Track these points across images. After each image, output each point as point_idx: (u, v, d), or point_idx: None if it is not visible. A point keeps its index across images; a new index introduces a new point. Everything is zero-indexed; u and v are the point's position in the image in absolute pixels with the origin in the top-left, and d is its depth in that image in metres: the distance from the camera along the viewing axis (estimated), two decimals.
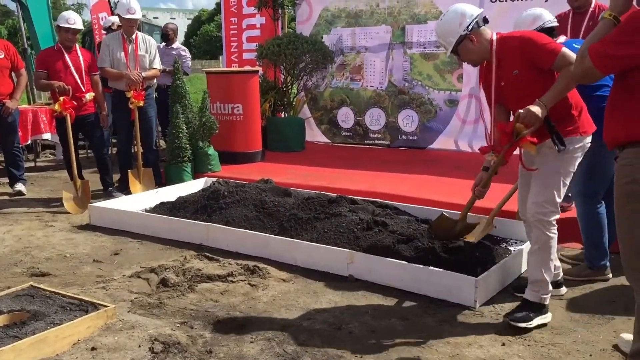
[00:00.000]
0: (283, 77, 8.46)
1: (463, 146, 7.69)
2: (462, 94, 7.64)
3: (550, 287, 3.21)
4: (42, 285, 3.51)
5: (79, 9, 41.57)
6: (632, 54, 2.21)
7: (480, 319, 3.24)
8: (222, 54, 10.17)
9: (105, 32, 7.94)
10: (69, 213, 5.61)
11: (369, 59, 8.36)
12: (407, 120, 8.14)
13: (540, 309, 3.16)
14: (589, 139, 3.19)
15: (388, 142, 8.35)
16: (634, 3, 2.34)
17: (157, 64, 6.38)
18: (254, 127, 7.37)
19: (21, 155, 6.65)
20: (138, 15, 6.15)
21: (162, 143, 8.39)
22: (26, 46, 9.62)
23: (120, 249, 4.53)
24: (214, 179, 5.93)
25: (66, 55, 5.96)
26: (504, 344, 2.95)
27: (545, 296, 3.17)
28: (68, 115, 5.75)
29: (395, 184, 5.77)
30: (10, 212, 5.70)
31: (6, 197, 6.32)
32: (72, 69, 5.95)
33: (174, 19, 70.56)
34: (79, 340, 2.95)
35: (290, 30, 9.31)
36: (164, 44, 8.43)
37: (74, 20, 5.96)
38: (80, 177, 5.98)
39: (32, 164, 8.17)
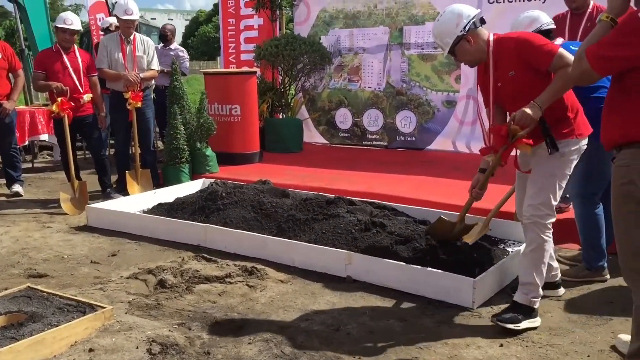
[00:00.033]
0: (281, 78, 8.46)
1: (461, 147, 7.69)
2: (460, 95, 7.65)
3: (541, 292, 3.18)
4: (40, 287, 3.50)
5: (76, 9, 41.49)
6: (629, 56, 2.21)
7: (478, 320, 3.24)
8: (219, 54, 10.16)
9: (103, 33, 7.94)
10: (66, 214, 5.61)
11: (366, 60, 8.37)
12: (405, 121, 8.14)
13: (530, 312, 3.13)
14: (584, 141, 3.19)
15: (386, 143, 8.35)
16: (631, 4, 2.34)
17: (155, 65, 6.38)
18: (252, 128, 7.37)
19: (18, 156, 6.64)
20: (136, 16, 6.15)
21: (159, 144, 8.38)
22: (23, 47, 9.61)
23: (117, 250, 4.52)
24: (212, 180, 5.92)
25: (64, 56, 5.95)
26: (501, 345, 2.96)
27: (534, 299, 3.15)
28: (66, 116, 5.74)
29: (393, 185, 5.78)
30: (8, 213, 5.69)
31: (3, 198, 6.31)
32: (70, 70, 5.94)
33: (172, 19, 70.49)
34: (76, 342, 2.94)
35: (288, 31, 9.31)
36: (161, 44, 8.42)
37: (71, 21, 5.94)
38: (78, 178, 5.98)
39: (30, 165, 8.16)
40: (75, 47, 6.17)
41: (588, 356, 2.85)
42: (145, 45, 6.28)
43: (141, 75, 6.11)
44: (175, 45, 8.54)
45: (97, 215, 5.20)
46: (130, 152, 6.63)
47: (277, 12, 8.66)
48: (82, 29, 6.31)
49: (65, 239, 4.84)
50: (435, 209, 4.77)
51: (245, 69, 8.51)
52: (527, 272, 3.16)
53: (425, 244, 3.91)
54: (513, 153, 3.22)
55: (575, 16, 4.86)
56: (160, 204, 5.37)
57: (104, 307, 3.20)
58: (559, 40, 4.01)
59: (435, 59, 7.79)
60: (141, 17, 7.30)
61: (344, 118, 8.69)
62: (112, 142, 7.88)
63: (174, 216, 4.98)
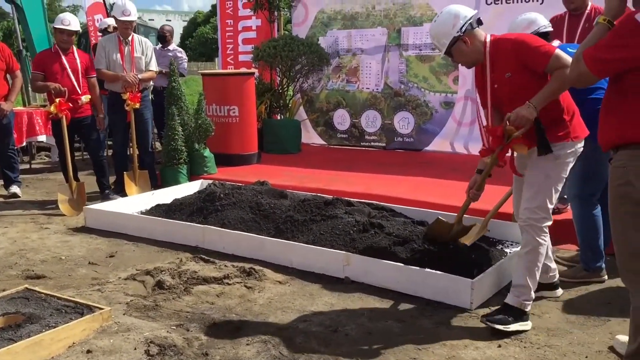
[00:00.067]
0: (279, 79, 8.45)
1: (459, 148, 7.70)
2: (458, 96, 7.66)
3: (533, 295, 3.17)
4: (37, 288, 3.50)
5: (74, 10, 41.29)
6: (626, 57, 2.22)
7: (476, 321, 3.24)
8: (217, 55, 10.16)
9: (101, 34, 7.94)
10: (64, 215, 5.60)
11: (364, 61, 8.37)
12: (403, 122, 8.15)
13: (521, 315, 3.12)
14: (581, 144, 3.18)
15: (384, 144, 8.36)
16: (629, 5, 2.34)
17: (153, 66, 6.37)
18: (250, 129, 7.37)
19: (16, 157, 6.63)
20: (133, 17, 6.15)
21: (157, 145, 8.37)
22: (21, 48, 9.61)
23: (115, 252, 4.52)
24: (210, 181, 5.92)
25: (63, 57, 5.94)
26: (500, 346, 2.96)
27: (526, 302, 3.14)
28: (64, 117, 5.73)
29: (391, 186, 5.78)
30: (5, 214, 5.68)
31: (1, 200, 6.30)
32: (69, 70, 5.94)
33: (170, 20, 70.50)
34: (74, 343, 2.94)
35: (286, 32, 9.31)
36: (160, 45, 8.41)
37: (69, 21, 5.94)
38: (76, 179, 5.96)
39: (27, 166, 8.15)
40: (74, 48, 6.17)
41: (586, 357, 2.86)
42: (143, 46, 6.27)
43: (139, 76, 6.11)
44: (173, 46, 8.53)
45: (95, 217, 5.20)
46: (129, 153, 6.63)
47: (275, 13, 8.66)
48: (80, 30, 6.30)
49: (63, 240, 4.84)
50: (433, 210, 4.77)
51: (243, 70, 8.51)
52: (520, 274, 3.15)
53: (424, 245, 3.92)
54: (508, 154, 3.23)
55: (574, 17, 4.86)
56: (158, 205, 5.37)
57: (102, 309, 3.19)
58: (555, 43, 4.01)
59: (433, 60, 7.80)
60: (139, 17, 7.28)
61: (342, 119, 8.69)
62: (110, 143, 7.88)
63: (172, 217, 4.98)
